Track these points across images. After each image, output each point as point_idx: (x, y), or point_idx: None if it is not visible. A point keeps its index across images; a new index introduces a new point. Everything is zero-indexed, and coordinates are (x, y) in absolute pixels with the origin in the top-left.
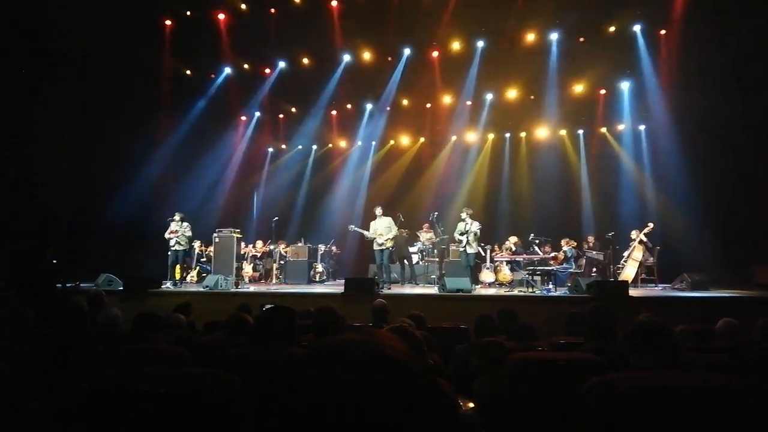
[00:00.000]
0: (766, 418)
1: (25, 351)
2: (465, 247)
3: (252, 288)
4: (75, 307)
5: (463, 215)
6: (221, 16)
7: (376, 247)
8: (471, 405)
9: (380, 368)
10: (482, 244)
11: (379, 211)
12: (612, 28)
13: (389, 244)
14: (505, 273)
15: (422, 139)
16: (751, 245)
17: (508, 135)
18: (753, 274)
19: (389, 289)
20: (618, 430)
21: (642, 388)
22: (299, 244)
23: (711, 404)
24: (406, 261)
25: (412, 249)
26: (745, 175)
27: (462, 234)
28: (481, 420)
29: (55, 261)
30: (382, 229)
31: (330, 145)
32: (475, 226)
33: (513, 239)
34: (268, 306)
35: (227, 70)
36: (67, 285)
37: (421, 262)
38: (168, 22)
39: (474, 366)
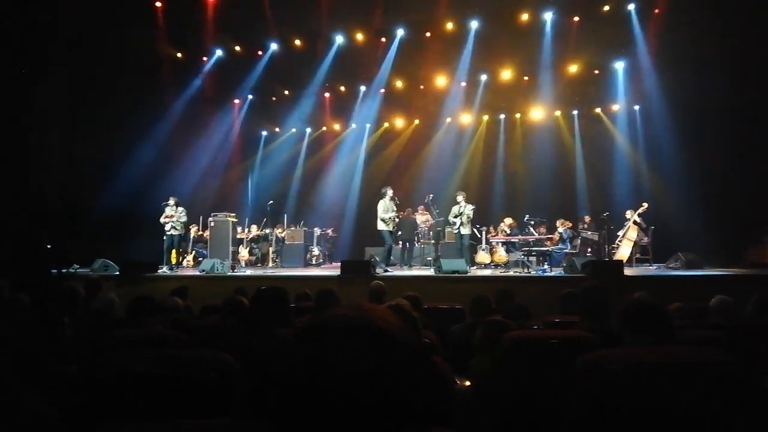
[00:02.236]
0: (758, 393)
1: (21, 337)
2: (459, 228)
3: (248, 271)
4: (70, 293)
5: (459, 198)
6: None
7: (387, 227)
8: (467, 383)
9: (372, 342)
10: (478, 226)
11: (390, 192)
12: (606, 7)
13: (392, 226)
14: (501, 254)
15: (417, 121)
16: (744, 224)
17: (502, 116)
18: (745, 255)
19: (389, 271)
20: (611, 406)
21: (634, 363)
22: (295, 228)
23: (704, 379)
24: (408, 244)
25: None
26: (739, 155)
27: (456, 216)
28: (477, 398)
29: (49, 246)
30: (392, 212)
31: (324, 128)
32: (468, 209)
33: (508, 220)
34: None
35: (219, 53)
36: (63, 270)
37: (417, 244)
38: (158, 4)
39: (477, 341)
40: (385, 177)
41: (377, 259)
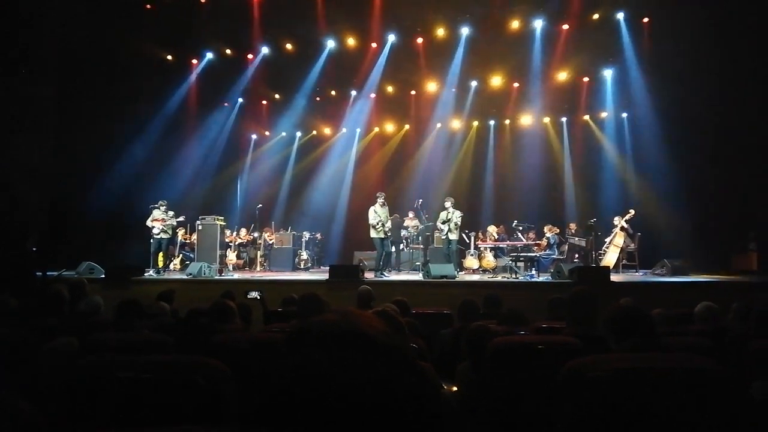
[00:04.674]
0: (743, 400)
1: (7, 340)
2: (447, 234)
3: (236, 275)
4: (55, 296)
5: (447, 204)
6: (202, 0)
7: (378, 235)
8: (454, 389)
9: (358, 347)
10: (466, 231)
11: (381, 198)
12: (595, 16)
13: (389, 233)
14: (489, 259)
15: (407, 127)
16: (729, 232)
17: (492, 122)
18: (731, 262)
19: (387, 275)
20: (595, 413)
21: (618, 370)
22: (284, 232)
23: (689, 385)
24: (393, 247)
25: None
26: (725, 163)
27: (444, 222)
28: (463, 403)
29: (35, 249)
30: (384, 218)
31: (314, 132)
32: (456, 215)
33: (496, 226)
34: (254, 293)
35: (209, 56)
36: (48, 274)
37: (405, 249)
38: (148, 6)
39: (464, 347)
40: (375, 182)
41: (365, 263)
